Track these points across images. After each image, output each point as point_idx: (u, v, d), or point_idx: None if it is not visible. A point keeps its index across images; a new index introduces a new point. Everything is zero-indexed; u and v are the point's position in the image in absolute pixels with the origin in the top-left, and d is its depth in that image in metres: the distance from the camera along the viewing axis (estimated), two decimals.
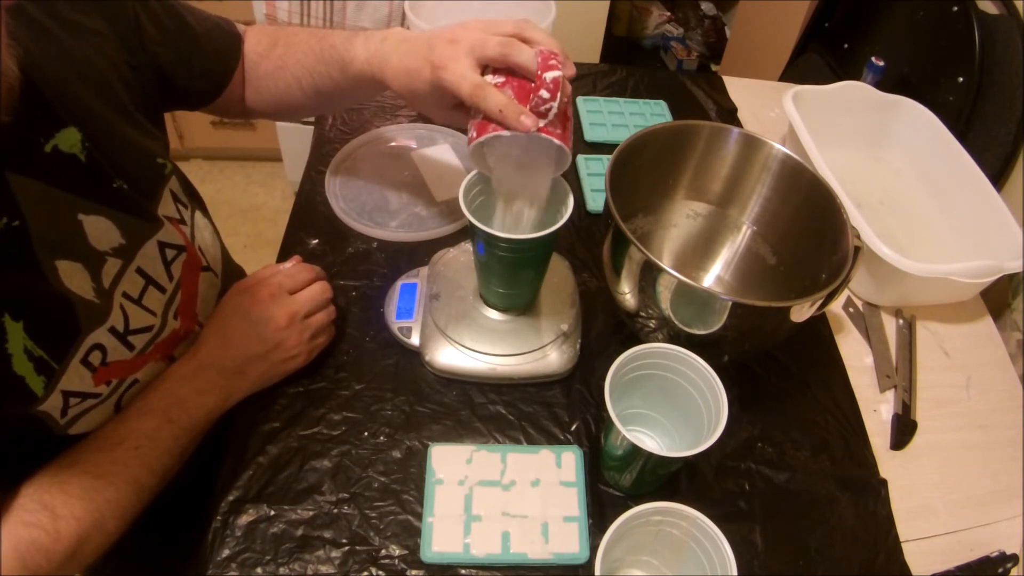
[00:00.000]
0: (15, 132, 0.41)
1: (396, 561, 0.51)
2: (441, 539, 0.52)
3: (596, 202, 0.81)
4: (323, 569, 0.50)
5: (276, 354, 0.57)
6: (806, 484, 0.59)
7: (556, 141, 0.50)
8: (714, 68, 2.13)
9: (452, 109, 0.57)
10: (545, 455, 0.57)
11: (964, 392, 0.70)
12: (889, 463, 0.62)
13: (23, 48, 0.41)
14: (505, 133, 0.50)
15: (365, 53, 0.58)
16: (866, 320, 0.74)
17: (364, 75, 0.59)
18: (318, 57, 0.62)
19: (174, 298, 0.57)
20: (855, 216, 0.68)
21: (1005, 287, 0.79)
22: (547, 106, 0.48)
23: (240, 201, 1.99)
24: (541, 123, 0.49)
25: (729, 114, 0.99)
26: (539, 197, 0.55)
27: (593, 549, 0.52)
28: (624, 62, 1.36)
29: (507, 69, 0.52)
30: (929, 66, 0.97)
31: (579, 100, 0.96)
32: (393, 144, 0.86)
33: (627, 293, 0.59)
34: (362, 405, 0.60)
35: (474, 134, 0.52)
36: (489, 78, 0.52)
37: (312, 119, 1.00)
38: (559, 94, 0.48)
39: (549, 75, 0.48)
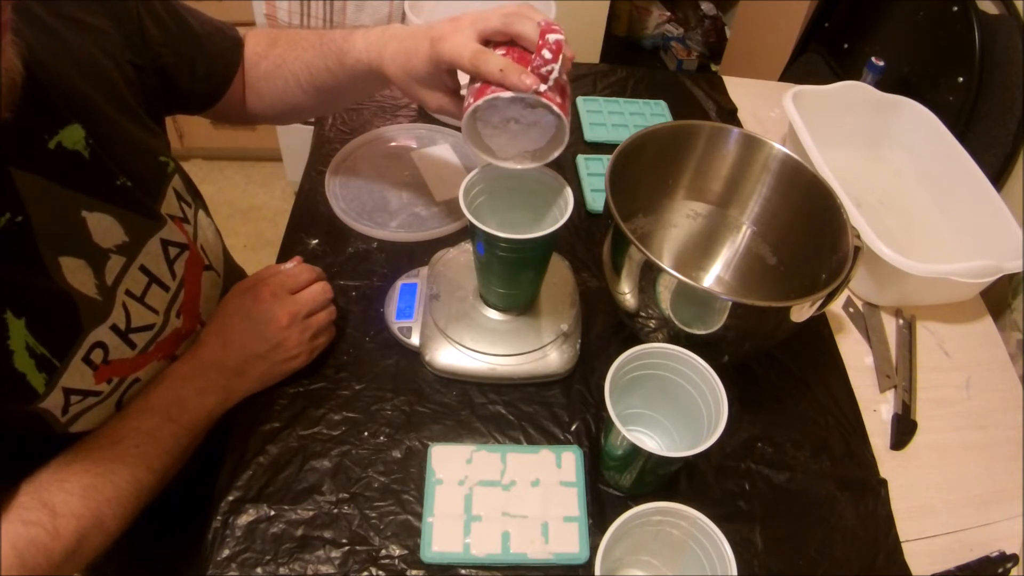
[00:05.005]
0: (19, 128, 0.41)
1: (396, 561, 0.51)
2: (441, 539, 0.52)
3: (596, 202, 0.81)
4: (323, 569, 0.50)
5: (277, 354, 0.58)
6: (806, 484, 0.59)
7: (555, 108, 0.49)
8: (714, 68, 2.13)
9: (448, 95, 0.57)
10: (545, 455, 0.57)
11: (964, 392, 0.70)
12: (889, 463, 0.62)
13: (26, 45, 0.41)
14: (505, 94, 0.48)
15: (363, 42, 0.59)
16: (866, 320, 0.74)
17: (361, 63, 0.59)
18: (317, 52, 0.62)
19: (177, 296, 0.57)
20: (855, 216, 0.68)
21: (1005, 287, 0.79)
22: (549, 67, 0.47)
23: (240, 201, 1.99)
24: (542, 87, 0.48)
25: (729, 114, 0.99)
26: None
27: (593, 549, 0.52)
28: (624, 62, 1.36)
29: (508, 41, 0.51)
30: (929, 66, 0.98)
31: (579, 100, 0.95)
32: (393, 144, 0.86)
33: (627, 293, 0.59)
34: (362, 405, 0.60)
35: (472, 100, 0.50)
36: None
37: (312, 119, 1.00)
38: (561, 57, 0.47)
39: (552, 36, 0.47)
